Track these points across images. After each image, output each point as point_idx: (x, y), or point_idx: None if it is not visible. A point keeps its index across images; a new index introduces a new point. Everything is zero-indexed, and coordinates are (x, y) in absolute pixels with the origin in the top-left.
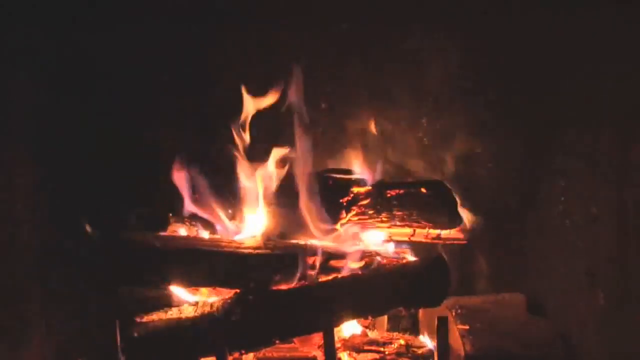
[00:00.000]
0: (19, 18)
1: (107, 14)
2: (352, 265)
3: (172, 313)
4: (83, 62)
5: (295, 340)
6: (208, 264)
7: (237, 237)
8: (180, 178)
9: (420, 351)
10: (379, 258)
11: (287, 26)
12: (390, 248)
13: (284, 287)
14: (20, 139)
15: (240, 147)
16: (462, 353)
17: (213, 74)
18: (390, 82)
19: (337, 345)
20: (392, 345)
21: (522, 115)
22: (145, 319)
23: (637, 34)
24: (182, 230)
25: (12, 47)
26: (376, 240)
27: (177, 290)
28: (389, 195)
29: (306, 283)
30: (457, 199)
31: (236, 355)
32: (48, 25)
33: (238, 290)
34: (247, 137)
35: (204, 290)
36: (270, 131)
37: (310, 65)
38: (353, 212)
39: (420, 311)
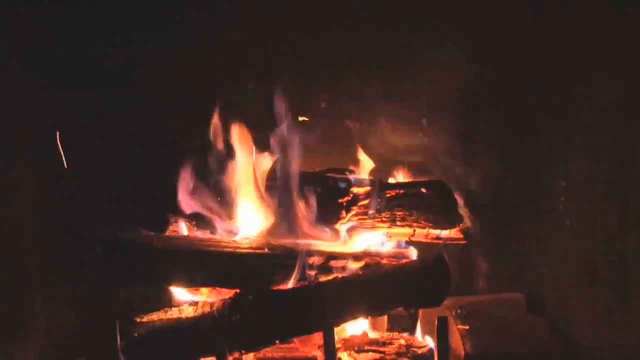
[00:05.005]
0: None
1: (106, 9)
2: (352, 265)
3: (172, 313)
4: (82, 60)
5: (295, 340)
6: (208, 264)
7: (237, 237)
8: (180, 177)
9: (420, 351)
10: (379, 258)
11: (287, 25)
12: (390, 248)
13: (284, 287)
14: (21, 139)
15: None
16: (462, 353)
17: (213, 73)
18: (390, 82)
19: (337, 345)
20: (392, 345)
21: (522, 115)
22: (145, 319)
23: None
24: (182, 230)
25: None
26: (376, 240)
27: (177, 290)
28: (389, 195)
29: (306, 283)
30: (458, 199)
31: (236, 355)
32: (49, 26)
33: (238, 290)
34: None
35: (204, 290)
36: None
37: (309, 65)
38: (353, 212)
39: (420, 311)
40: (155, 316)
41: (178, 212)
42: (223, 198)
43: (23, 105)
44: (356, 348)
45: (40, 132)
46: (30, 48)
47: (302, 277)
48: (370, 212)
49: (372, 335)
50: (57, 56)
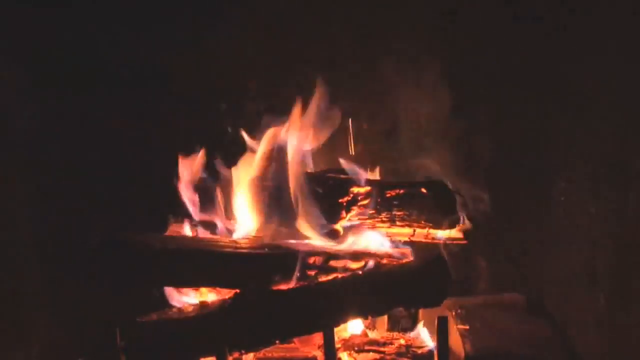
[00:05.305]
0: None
1: (105, 10)
2: (352, 265)
3: (172, 313)
4: (81, 61)
5: (295, 340)
6: (208, 264)
7: (237, 237)
8: (180, 178)
9: (420, 351)
10: (379, 258)
11: (286, 25)
12: (390, 248)
13: (283, 287)
14: (20, 140)
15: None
16: (462, 353)
17: (212, 72)
18: (390, 81)
19: (337, 345)
20: (392, 345)
21: (522, 115)
22: (145, 319)
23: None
24: (182, 230)
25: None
26: (376, 240)
27: (177, 291)
28: (388, 195)
29: (306, 283)
30: (457, 199)
31: (236, 355)
32: (46, 26)
33: (238, 290)
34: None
35: (204, 290)
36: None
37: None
38: (353, 212)
39: (420, 311)
40: (155, 316)
41: (178, 212)
42: (223, 198)
43: (22, 105)
44: (356, 348)
45: (39, 132)
46: (30, 48)
47: (302, 277)
48: (370, 211)
49: (372, 335)
50: (57, 56)
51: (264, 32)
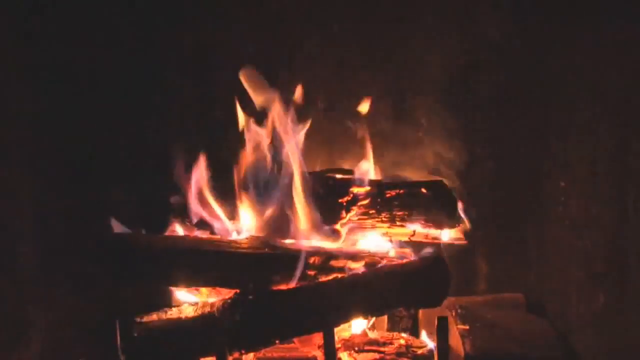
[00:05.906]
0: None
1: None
2: (352, 265)
3: (172, 313)
4: (81, 61)
5: (295, 340)
6: (208, 264)
7: (237, 237)
8: (181, 177)
9: (420, 351)
10: (379, 258)
11: (287, 23)
12: (390, 248)
13: (284, 287)
14: (21, 139)
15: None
16: (462, 353)
17: (213, 71)
18: (389, 80)
19: (337, 345)
20: (392, 345)
21: (521, 115)
22: (145, 319)
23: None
24: (182, 231)
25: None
26: (376, 240)
27: (177, 290)
28: (388, 195)
29: (306, 283)
30: (457, 199)
31: (236, 355)
32: (44, 25)
33: (238, 290)
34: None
35: (204, 290)
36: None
37: (309, 64)
38: (353, 212)
39: (420, 311)
40: (155, 316)
41: (178, 212)
42: (223, 197)
43: (22, 105)
44: (356, 348)
45: (40, 132)
46: (30, 48)
47: (302, 277)
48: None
49: (372, 335)
50: (57, 56)
51: (264, 31)
